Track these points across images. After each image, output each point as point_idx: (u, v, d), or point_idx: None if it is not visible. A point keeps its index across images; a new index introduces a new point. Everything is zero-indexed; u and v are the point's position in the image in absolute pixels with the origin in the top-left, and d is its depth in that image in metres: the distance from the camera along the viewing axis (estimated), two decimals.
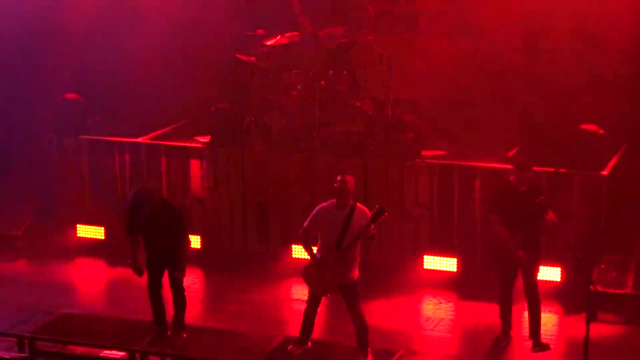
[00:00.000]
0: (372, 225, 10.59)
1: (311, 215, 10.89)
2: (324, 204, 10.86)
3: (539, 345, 11.66)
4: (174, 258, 11.02)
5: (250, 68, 14.83)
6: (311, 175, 14.13)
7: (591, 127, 13.31)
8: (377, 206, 10.58)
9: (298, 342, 11.07)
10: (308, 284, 10.90)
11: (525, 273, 11.62)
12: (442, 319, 12.92)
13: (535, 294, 11.64)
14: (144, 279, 11.31)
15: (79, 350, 11.39)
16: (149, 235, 11.12)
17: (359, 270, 11.00)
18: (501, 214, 11.51)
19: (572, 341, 11.96)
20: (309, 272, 10.86)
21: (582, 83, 14.09)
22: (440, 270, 13.78)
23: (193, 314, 11.35)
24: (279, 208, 14.39)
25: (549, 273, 13.11)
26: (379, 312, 13.12)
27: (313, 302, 10.98)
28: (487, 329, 12.52)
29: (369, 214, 10.65)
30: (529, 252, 11.49)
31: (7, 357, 11.08)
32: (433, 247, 13.95)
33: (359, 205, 10.77)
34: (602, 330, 12.29)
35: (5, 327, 11.60)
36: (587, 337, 10.05)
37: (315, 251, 10.91)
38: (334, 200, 10.81)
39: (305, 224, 10.91)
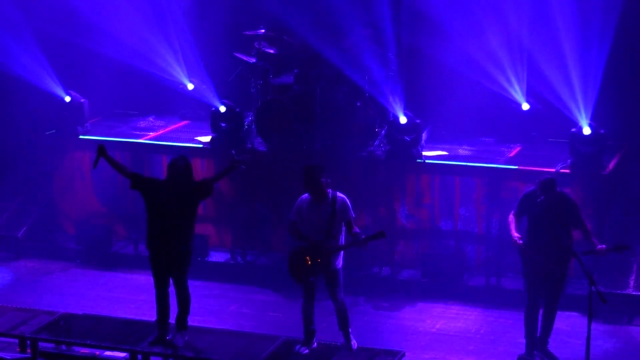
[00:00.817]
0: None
1: (294, 208, 11.04)
2: (304, 196, 11.02)
3: (543, 352, 11.53)
4: (177, 256, 10.95)
5: (250, 68, 14.85)
6: None
7: None
8: (381, 230, 10.83)
9: (304, 342, 11.11)
10: (292, 268, 11.01)
11: (549, 284, 11.30)
12: (444, 320, 12.94)
13: (553, 305, 11.34)
14: (147, 280, 11.25)
15: (81, 351, 11.39)
16: (160, 214, 10.96)
17: (343, 259, 11.10)
18: (521, 216, 11.29)
19: (573, 342, 11.98)
20: (297, 257, 10.98)
21: None
22: (441, 271, 13.75)
23: (194, 314, 11.33)
24: (280, 208, 14.38)
25: None
26: (381, 312, 13.15)
27: (308, 296, 11.09)
28: (491, 331, 12.55)
29: (348, 202, 10.89)
30: (557, 265, 11.19)
31: (8, 357, 11.08)
32: (434, 247, 13.96)
33: (338, 194, 10.94)
34: (603, 330, 12.31)
35: (6, 328, 11.57)
36: (588, 338, 10.06)
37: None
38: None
39: (292, 216, 11.06)
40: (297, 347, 11.09)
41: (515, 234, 11.20)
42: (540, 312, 11.41)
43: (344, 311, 11.12)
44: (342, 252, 11.02)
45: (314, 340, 11.14)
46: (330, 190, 10.93)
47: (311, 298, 11.10)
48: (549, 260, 11.17)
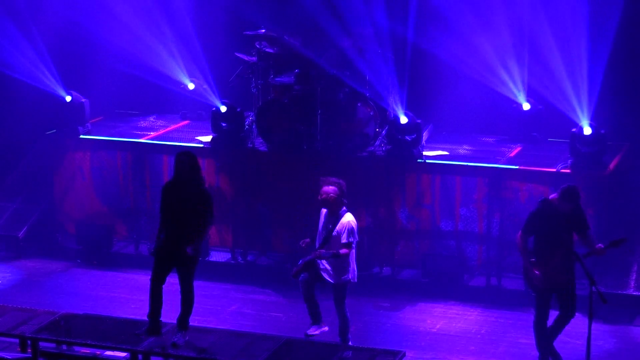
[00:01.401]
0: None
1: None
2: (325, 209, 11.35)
3: (548, 351, 11.46)
4: (184, 254, 10.93)
5: (251, 67, 14.85)
6: (312, 175, 14.12)
7: None
8: (337, 251, 11.06)
9: (313, 324, 11.28)
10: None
11: (562, 295, 11.02)
12: (445, 320, 12.93)
13: (569, 317, 11.04)
14: (147, 280, 11.25)
15: (81, 350, 11.39)
16: (168, 212, 10.97)
17: (351, 274, 11.30)
18: (534, 234, 10.99)
19: (574, 342, 11.97)
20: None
21: None
22: (441, 271, 13.75)
23: (194, 314, 11.36)
24: (280, 208, 14.39)
25: None
26: (382, 312, 13.14)
27: (305, 287, 11.30)
28: (492, 331, 12.55)
29: (352, 224, 11.11)
30: (566, 275, 10.94)
31: (9, 357, 11.09)
32: (435, 247, 13.95)
33: (346, 215, 11.18)
34: (604, 331, 12.31)
35: (7, 328, 11.58)
36: (589, 338, 10.06)
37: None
38: None
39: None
40: (308, 330, 11.27)
41: (536, 273, 10.91)
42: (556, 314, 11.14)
43: (345, 323, 11.36)
44: (350, 267, 11.21)
45: (322, 320, 11.33)
46: (344, 209, 11.17)
47: (310, 288, 11.28)
48: (557, 271, 10.94)
